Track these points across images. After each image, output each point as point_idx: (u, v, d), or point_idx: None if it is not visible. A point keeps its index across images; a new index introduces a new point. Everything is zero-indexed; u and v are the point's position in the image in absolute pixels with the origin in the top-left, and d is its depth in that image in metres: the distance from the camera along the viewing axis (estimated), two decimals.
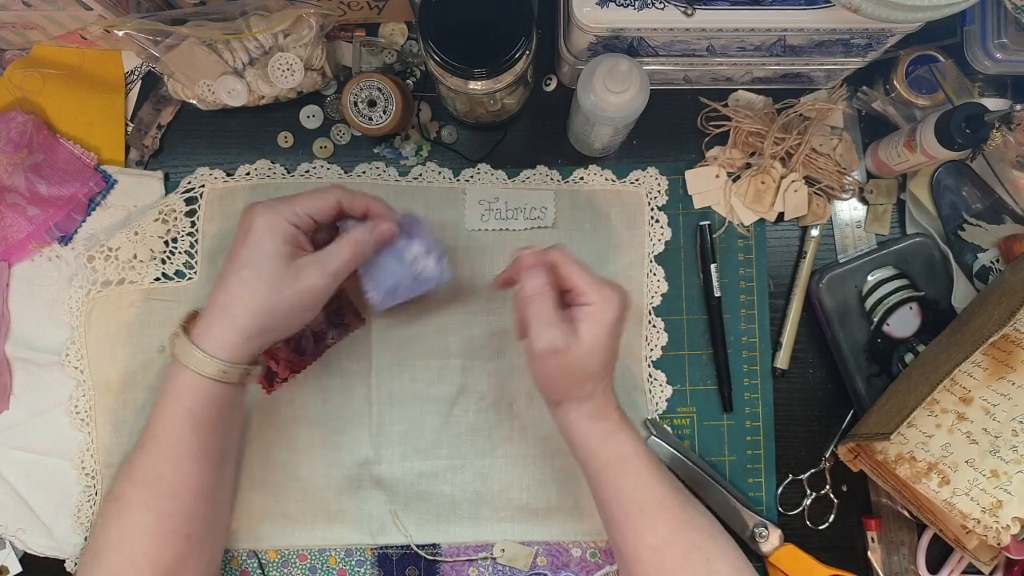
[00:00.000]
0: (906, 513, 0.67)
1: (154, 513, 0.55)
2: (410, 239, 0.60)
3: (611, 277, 0.68)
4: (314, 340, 0.67)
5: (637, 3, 0.56)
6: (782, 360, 0.69)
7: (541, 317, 0.54)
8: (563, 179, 0.69)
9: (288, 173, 0.69)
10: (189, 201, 0.68)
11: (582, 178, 0.69)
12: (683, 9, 0.56)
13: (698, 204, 0.70)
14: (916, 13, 0.50)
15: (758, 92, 0.70)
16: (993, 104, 0.66)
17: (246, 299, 0.54)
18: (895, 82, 0.69)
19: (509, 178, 0.69)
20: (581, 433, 0.57)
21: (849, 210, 0.70)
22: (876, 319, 0.67)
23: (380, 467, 0.67)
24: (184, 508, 0.56)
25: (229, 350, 0.54)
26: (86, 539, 0.59)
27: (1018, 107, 0.58)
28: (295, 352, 0.66)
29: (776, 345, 0.69)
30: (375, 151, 0.70)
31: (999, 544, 0.55)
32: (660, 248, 0.69)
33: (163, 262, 0.68)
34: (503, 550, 0.67)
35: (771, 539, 0.66)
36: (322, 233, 0.59)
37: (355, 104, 0.66)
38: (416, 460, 0.67)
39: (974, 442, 0.58)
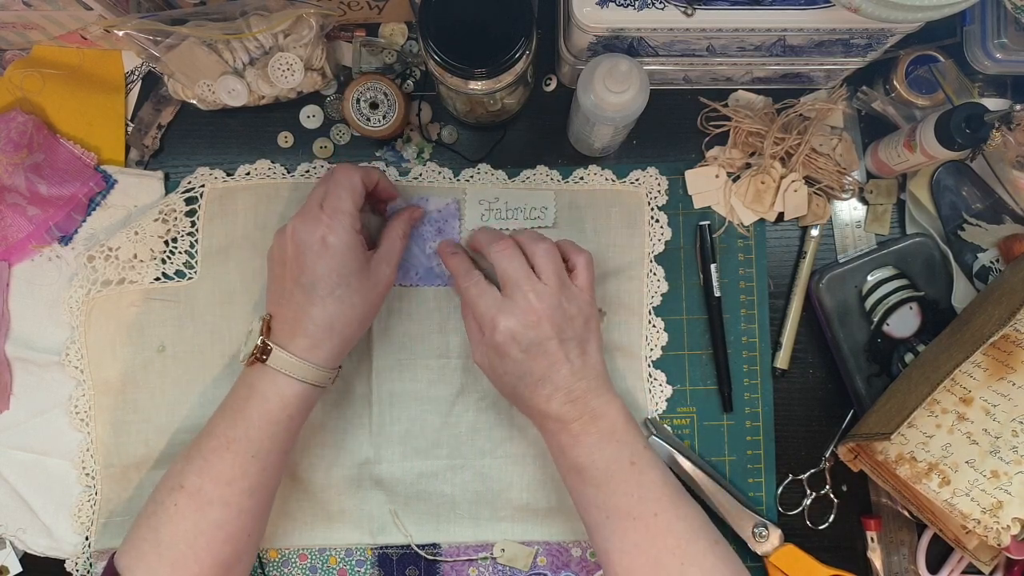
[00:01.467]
0: (906, 513, 0.67)
1: (232, 510, 0.56)
2: (439, 234, 0.68)
3: (611, 277, 0.68)
4: None
5: (637, 3, 0.56)
6: (782, 360, 0.69)
7: (478, 287, 0.60)
8: (563, 179, 0.69)
9: (288, 173, 0.69)
10: (189, 201, 0.68)
11: (582, 178, 0.69)
12: (683, 9, 0.56)
13: (698, 204, 0.70)
14: (916, 13, 0.50)
15: (758, 92, 0.70)
16: (993, 104, 0.66)
17: (348, 315, 0.57)
18: (895, 82, 0.69)
19: (509, 178, 0.69)
20: (546, 440, 0.60)
21: (849, 210, 0.70)
22: (876, 319, 0.67)
23: (380, 467, 0.67)
24: (257, 507, 0.58)
25: (334, 359, 0.58)
26: (130, 530, 0.58)
27: (1018, 107, 0.58)
28: None
29: (776, 345, 0.69)
30: (377, 154, 0.70)
31: (999, 545, 0.55)
32: (660, 248, 0.69)
33: (163, 262, 0.68)
34: (503, 550, 0.67)
35: (771, 539, 0.66)
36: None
37: (357, 103, 0.66)
38: (416, 460, 0.67)
39: (974, 443, 0.58)
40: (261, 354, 0.56)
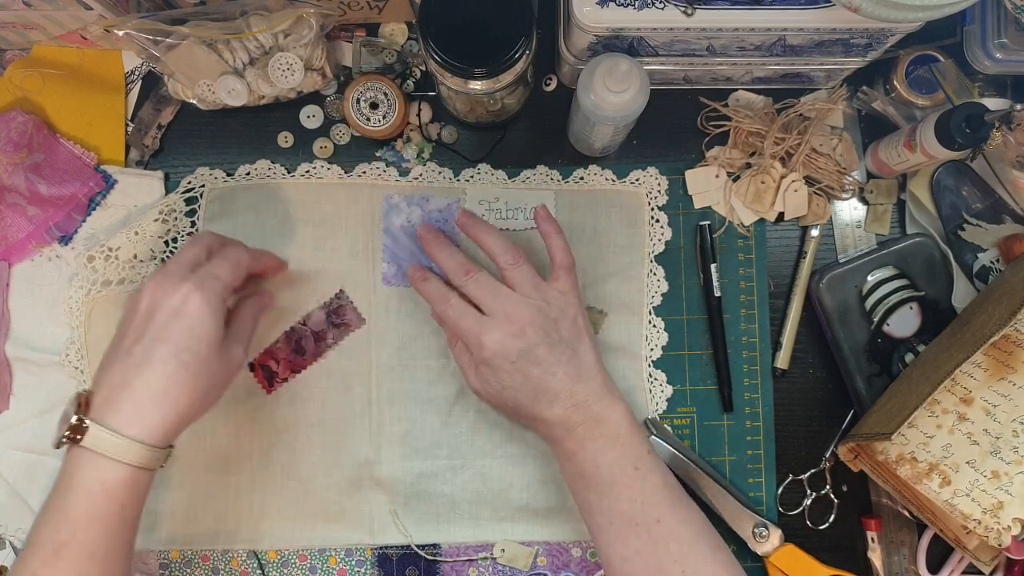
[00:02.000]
0: (906, 513, 0.67)
1: None
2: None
3: (611, 277, 0.68)
4: (314, 340, 0.67)
5: (637, 3, 0.56)
6: (782, 360, 0.69)
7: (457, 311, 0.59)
8: (563, 179, 0.69)
9: (288, 173, 0.69)
10: (189, 201, 0.68)
11: (582, 178, 0.69)
12: (683, 9, 0.56)
13: (698, 204, 0.70)
14: (916, 13, 0.50)
15: (758, 92, 0.70)
16: (993, 104, 0.66)
17: (190, 385, 0.51)
18: (895, 82, 0.68)
19: (509, 178, 0.69)
20: (552, 448, 0.60)
21: (849, 210, 0.70)
22: (876, 319, 0.67)
23: (380, 467, 0.67)
24: None
25: (164, 436, 0.51)
26: None
27: (1018, 107, 0.58)
28: (295, 352, 0.66)
29: (776, 345, 0.69)
30: (377, 154, 0.70)
31: (1000, 545, 0.55)
32: (660, 248, 0.69)
33: (163, 262, 0.68)
34: (503, 550, 0.67)
35: (771, 539, 0.66)
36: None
37: (357, 103, 0.66)
38: (416, 460, 0.67)
39: (975, 443, 0.58)
40: (75, 433, 0.48)
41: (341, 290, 0.68)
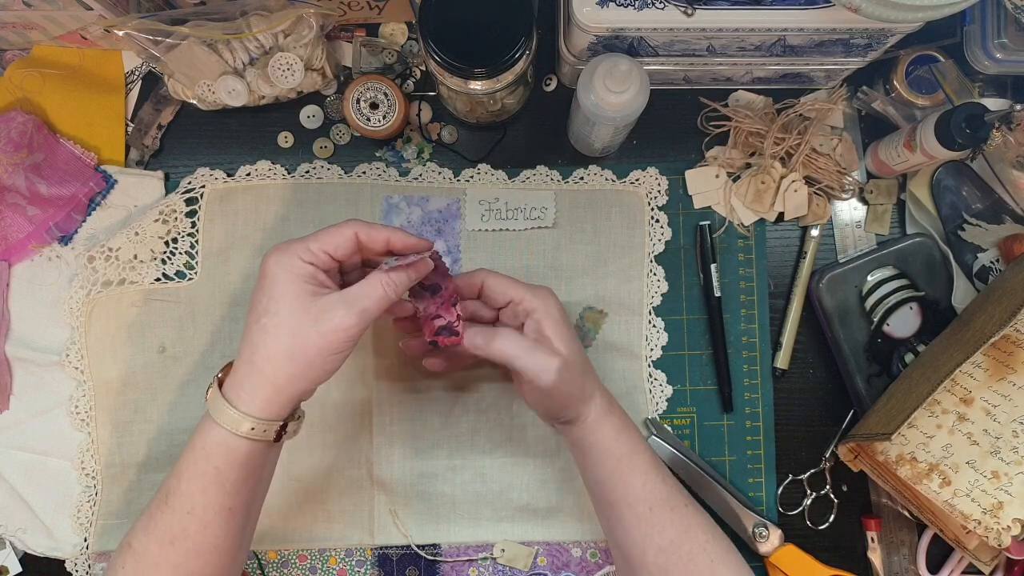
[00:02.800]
0: (906, 513, 0.67)
1: (181, 572, 0.51)
2: (439, 234, 0.67)
3: (611, 277, 0.68)
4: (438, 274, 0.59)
5: (637, 3, 0.56)
6: (782, 360, 0.69)
7: (521, 349, 0.55)
8: (563, 179, 0.69)
9: (288, 174, 0.69)
10: (189, 201, 0.68)
11: (582, 178, 0.69)
12: (683, 9, 0.56)
13: (698, 204, 0.70)
14: (916, 13, 0.50)
15: (758, 92, 0.70)
16: (993, 104, 0.66)
17: (270, 348, 0.50)
18: (895, 82, 0.68)
19: (509, 178, 0.69)
20: (595, 433, 0.57)
21: (849, 210, 0.70)
22: (876, 319, 0.67)
23: (380, 467, 0.67)
24: (209, 568, 0.52)
25: (259, 405, 0.50)
26: None
27: (1018, 107, 0.58)
28: (432, 294, 0.58)
29: (776, 345, 0.69)
30: (377, 154, 0.70)
31: (1000, 545, 0.56)
32: (660, 248, 0.69)
33: (163, 262, 0.68)
34: (503, 550, 0.67)
35: (771, 539, 0.66)
36: (354, 274, 0.56)
37: (357, 103, 0.66)
38: (416, 460, 0.67)
39: (975, 443, 0.58)
40: (206, 400, 0.52)
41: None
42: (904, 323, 0.67)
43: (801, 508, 0.69)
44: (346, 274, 0.56)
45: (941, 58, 0.68)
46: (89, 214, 0.68)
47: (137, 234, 0.67)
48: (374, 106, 0.67)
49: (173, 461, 0.65)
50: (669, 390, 0.69)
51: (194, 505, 0.51)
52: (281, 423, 0.52)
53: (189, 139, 0.70)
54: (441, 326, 0.57)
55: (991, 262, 0.68)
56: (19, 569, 0.68)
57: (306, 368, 0.50)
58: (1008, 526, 0.56)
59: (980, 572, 0.66)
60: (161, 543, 0.51)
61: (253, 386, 0.50)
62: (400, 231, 0.55)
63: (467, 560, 0.68)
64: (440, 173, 0.69)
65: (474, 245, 0.68)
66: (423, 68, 0.70)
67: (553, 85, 0.71)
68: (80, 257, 0.67)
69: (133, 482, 0.67)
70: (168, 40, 0.64)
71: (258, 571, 0.67)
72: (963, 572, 0.68)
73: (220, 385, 0.52)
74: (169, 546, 0.51)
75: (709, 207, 0.70)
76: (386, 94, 0.67)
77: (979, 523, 0.56)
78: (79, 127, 0.69)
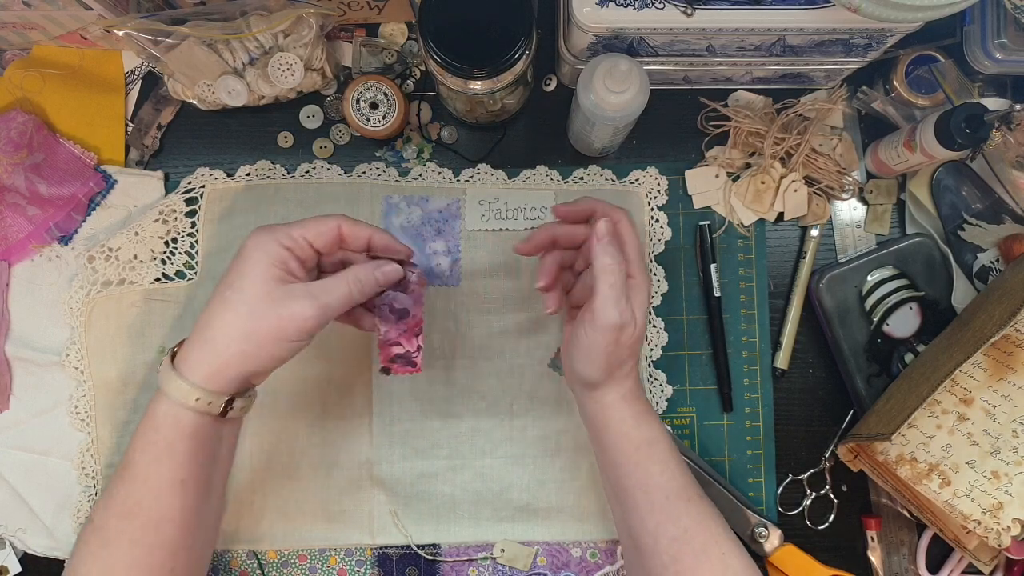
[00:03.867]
0: (906, 513, 0.67)
1: (139, 547, 0.51)
2: (439, 234, 0.67)
3: None
4: (403, 289, 0.58)
5: (637, 3, 0.56)
6: (782, 360, 0.69)
7: (616, 290, 0.52)
8: (563, 179, 0.69)
9: (288, 173, 0.69)
10: (189, 201, 0.68)
11: (582, 178, 0.69)
12: (683, 9, 0.56)
13: (698, 204, 0.70)
14: (916, 13, 0.50)
15: (758, 92, 0.70)
16: (993, 104, 0.66)
17: (226, 320, 0.50)
18: (895, 82, 0.68)
19: (509, 178, 0.69)
20: (618, 414, 0.57)
21: (849, 210, 0.70)
22: (876, 319, 0.67)
23: (380, 467, 0.67)
24: (168, 541, 0.52)
25: (207, 377, 0.50)
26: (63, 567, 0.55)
27: (1018, 107, 0.58)
28: (397, 318, 0.57)
29: (776, 345, 0.69)
30: (377, 155, 0.70)
31: (1000, 545, 0.56)
32: (660, 248, 0.69)
33: (163, 262, 0.68)
34: (503, 550, 0.67)
35: (771, 539, 0.66)
36: (332, 269, 0.56)
37: (357, 103, 0.66)
38: (416, 460, 0.67)
39: (975, 443, 0.58)
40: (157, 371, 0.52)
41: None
42: (904, 323, 0.68)
43: (801, 508, 0.69)
44: (324, 271, 0.56)
45: (941, 58, 0.68)
46: (89, 214, 0.68)
47: (137, 234, 0.67)
48: (374, 106, 0.67)
49: None
50: (669, 390, 0.69)
51: (147, 476, 0.51)
52: (227, 398, 0.52)
53: (189, 139, 0.70)
54: (398, 354, 0.57)
55: (991, 262, 0.68)
56: (19, 569, 0.68)
57: (257, 349, 0.50)
58: (1008, 526, 0.56)
59: (980, 572, 0.66)
60: (119, 516, 0.52)
61: (202, 357, 0.51)
62: (384, 233, 0.55)
63: (467, 560, 0.68)
64: (440, 173, 0.69)
65: (474, 245, 0.68)
66: (423, 68, 0.70)
67: (553, 85, 0.71)
68: (80, 257, 0.67)
69: None
70: (168, 40, 0.64)
71: (258, 571, 0.67)
72: (963, 572, 0.68)
73: (172, 358, 0.52)
74: (126, 519, 0.51)
75: (709, 207, 0.70)
76: (386, 94, 0.67)
77: (979, 523, 0.56)
78: (79, 127, 0.69)
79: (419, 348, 0.57)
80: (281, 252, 0.51)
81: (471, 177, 0.69)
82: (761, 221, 0.70)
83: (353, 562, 0.68)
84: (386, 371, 0.57)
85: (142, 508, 0.51)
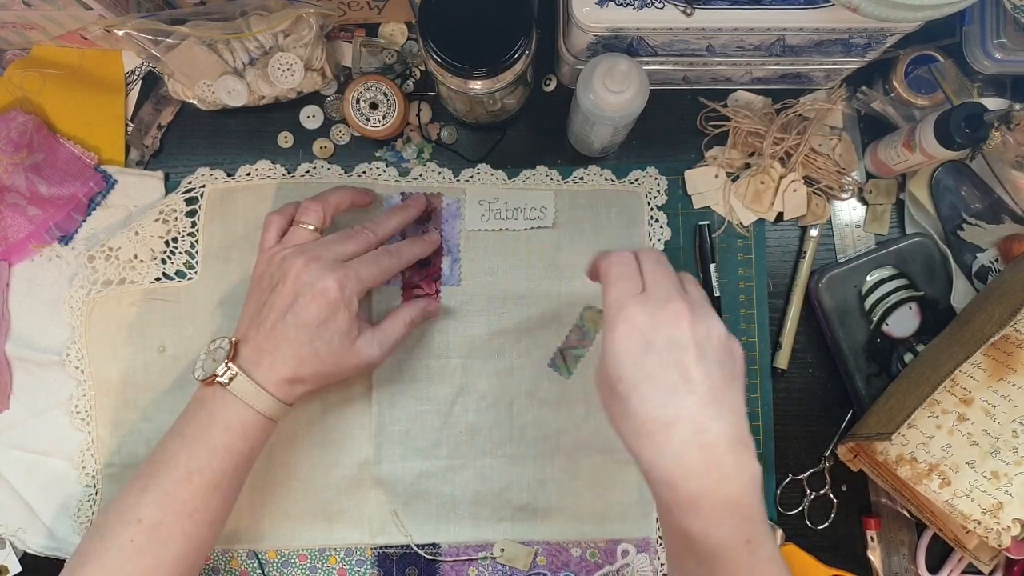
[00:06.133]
0: (906, 513, 0.67)
1: (192, 542, 0.54)
2: (439, 234, 0.68)
3: None
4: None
5: (636, 3, 0.56)
6: (782, 360, 0.69)
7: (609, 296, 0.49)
8: (563, 179, 0.69)
9: (289, 173, 0.69)
10: (189, 201, 0.68)
11: (582, 178, 0.69)
12: (682, 9, 0.56)
13: (697, 204, 0.70)
14: (916, 13, 0.50)
15: (757, 92, 0.70)
16: (992, 104, 0.66)
17: (316, 368, 0.56)
18: (894, 82, 0.69)
19: (509, 178, 0.69)
20: (675, 519, 0.47)
21: (848, 210, 0.70)
22: (876, 319, 0.67)
23: (380, 467, 0.67)
24: (212, 536, 0.56)
25: (287, 396, 0.57)
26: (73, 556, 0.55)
27: (1017, 107, 0.58)
28: (419, 265, 0.67)
29: (776, 345, 0.69)
30: (377, 155, 0.70)
31: (1000, 545, 0.56)
32: (660, 248, 0.69)
33: (164, 262, 0.68)
34: (503, 550, 0.67)
35: None
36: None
37: (357, 103, 0.66)
38: (416, 460, 0.67)
39: (975, 443, 0.58)
40: (226, 378, 0.55)
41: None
42: (903, 323, 0.68)
43: (801, 508, 0.69)
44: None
45: (940, 58, 0.68)
46: (89, 214, 0.68)
47: (137, 234, 0.67)
48: (374, 106, 0.67)
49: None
50: None
51: (221, 480, 0.55)
52: (289, 404, 0.58)
53: (189, 139, 0.70)
54: (419, 296, 0.67)
55: (990, 262, 0.68)
56: (19, 569, 0.68)
57: (334, 380, 0.59)
58: (1008, 526, 0.56)
59: (980, 572, 0.66)
60: (179, 516, 0.54)
61: (290, 383, 0.56)
62: (423, 245, 0.65)
63: (467, 560, 0.68)
64: (440, 173, 0.69)
65: (474, 245, 0.68)
66: (423, 68, 0.70)
67: (553, 85, 0.71)
68: (80, 257, 0.67)
69: None
70: (168, 40, 0.64)
71: (258, 571, 0.67)
72: (963, 572, 0.68)
73: (234, 365, 0.55)
74: (187, 518, 0.54)
75: (708, 207, 0.70)
76: (386, 94, 0.67)
77: (979, 523, 0.56)
78: (79, 127, 0.69)
79: (437, 291, 0.67)
80: (357, 303, 0.58)
81: (471, 177, 0.69)
82: (761, 221, 0.70)
83: (353, 562, 0.68)
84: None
85: (210, 507, 0.55)
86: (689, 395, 0.45)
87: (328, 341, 0.56)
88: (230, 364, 0.55)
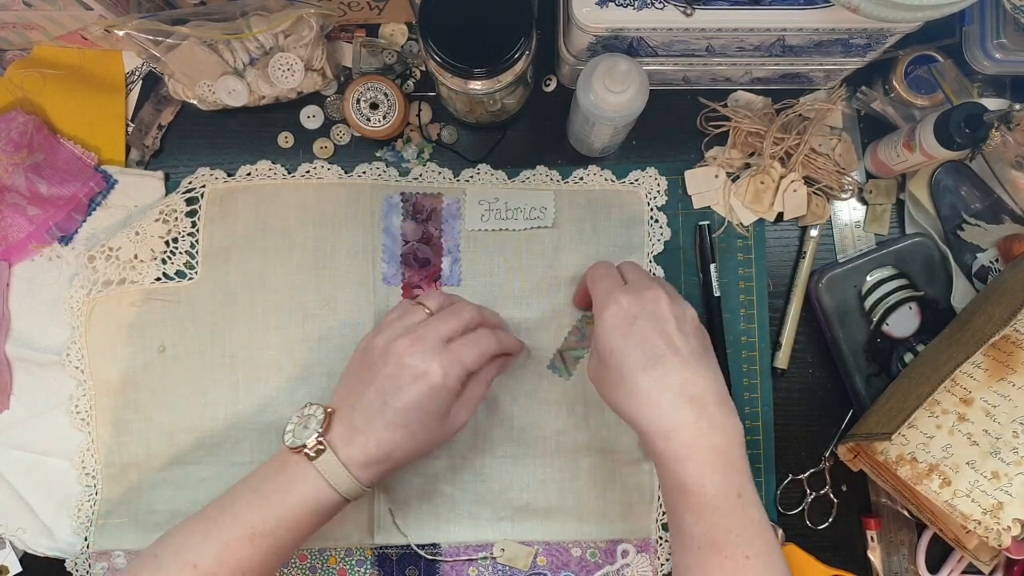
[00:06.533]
0: (906, 513, 0.67)
1: None
2: (439, 233, 0.68)
3: None
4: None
5: (637, 3, 0.56)
6: (782, 360, 0.69)
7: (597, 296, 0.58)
8: (563, 179, 0.69)
9: (289, 173, 0.69)
10: (190, 201, 0.68)
11: (582, 178, 0.69)
12: (682, 9, 0.56)
13: (697, 204, 0.70)
14: (915, 13, 0.50)
15: (757, 92, 0.70)
16: (992, 104, 0.66)
17: (410, 449, 0.55)
18: (894, 82, 0.69)
19: (509, 178, 0.69)
20: (673, 481, 0.53)
21: (848, 210, 0.70)
22: (875, 319, 0.67)
23: None
24: None
25: (371, 480, 0.55)
26: None
27: (1017, 107, 0.58)
28: (420, 266, 0.68)
29: (776, 345, 0.69)
30: (377, 155, 0.70)
31: (1000, 545, 0.56)
32: (659, 248, 0.69)
33: (164, 262, 0.68)
34: (503, 550, 0.67)
35: None
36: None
37: (357, 103, 0.67)
38: (416, 460, 0.67)
39: (975, 443, 0.58)
40: (314, 451, 0.54)
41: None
42: (903, 323, 0.68)
43: (801, 508, 0.69)
44: None
45: (940, 58, 0.68)
46: (89, 214, 0.68)
47: (137, 234, 0.67)
48: (374, 106, 0.67)
49: (174, 461, 0.65)
50: None
51: (282, 547, 0.54)
52: (368, 486, 0.56)
53: (189, 139, 0.70)
54: (420, 295, 0.65)
55: (990, 262, 0.68)
56: (19, 569, 0.68)
57: (419, 458, 0.58)
58: (1008, 526, 0.56)
59: (980, 572, 0.66)
60: (234, 571, 0.53)
61: (381, 470, 0.55)
62: (516, 341, 0.64)
63: (467, 560, 0.68)
64: (440, 173, 0.69)
65: (474, 245, 0.68)
66: (423, 68, 0.70)
67: (553, 85, 0.71)
68: (80, 257, 0.67)
69: (133, 482, 0.67)
70: (168, 40, 0.64)
71: None
72: (963, 572, 0.68)
73: (325, 440, 0.54)
74: (240, 574, 0.54)
75: (708, 207, 0.70)
76: (386, 94, 0.67)
77: (979, 523, 0.56)
78: (79, 127, 0.69)
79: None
80: (459, 389, 0.56)
81: (471, 177, 0.69)
82: (761, 221, 0.70)
83: (353, 562, 0.68)
84: None
85: (265, 568, 0.54)
86: (674, 356, 0.52)
87: (425, 424, 0.55)
88: (321, 439, 0.54)
